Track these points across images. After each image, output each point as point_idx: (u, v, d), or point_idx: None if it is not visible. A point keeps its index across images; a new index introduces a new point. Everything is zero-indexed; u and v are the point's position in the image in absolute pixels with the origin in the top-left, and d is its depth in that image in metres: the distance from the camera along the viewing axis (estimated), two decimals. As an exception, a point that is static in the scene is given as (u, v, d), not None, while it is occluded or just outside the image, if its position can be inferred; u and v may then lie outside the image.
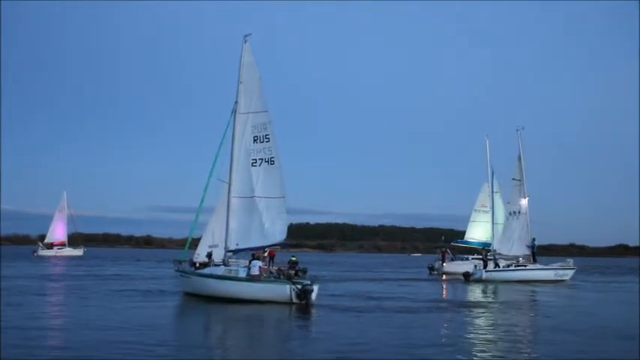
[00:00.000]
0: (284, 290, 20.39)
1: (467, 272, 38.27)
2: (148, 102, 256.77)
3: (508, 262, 39.42)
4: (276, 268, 25.97)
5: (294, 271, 38.55)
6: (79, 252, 74.07)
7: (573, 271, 40.16)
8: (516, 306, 22.66)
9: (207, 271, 23.24)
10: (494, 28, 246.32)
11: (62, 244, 74.57)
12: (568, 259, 41.88)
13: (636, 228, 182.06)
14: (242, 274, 21.55)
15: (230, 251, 23.43)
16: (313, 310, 19.16)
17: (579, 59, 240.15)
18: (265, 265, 36.69)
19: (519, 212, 40.05)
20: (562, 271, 39.49)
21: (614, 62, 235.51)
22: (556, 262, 41.99)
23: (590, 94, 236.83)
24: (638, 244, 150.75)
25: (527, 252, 39.49)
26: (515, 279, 37.31)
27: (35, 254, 70.48)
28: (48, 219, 76.60)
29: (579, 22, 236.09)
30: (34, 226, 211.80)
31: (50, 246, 73.64)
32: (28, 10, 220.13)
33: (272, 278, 21.93)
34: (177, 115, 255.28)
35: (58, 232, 74.81)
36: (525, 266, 38.88)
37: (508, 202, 41.08)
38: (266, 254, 37.49)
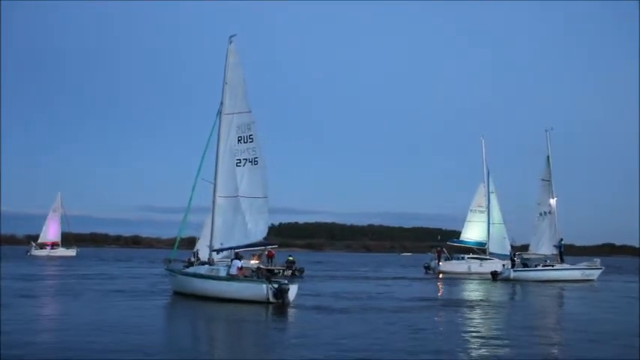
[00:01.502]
0: (261, 290, 20.60)
1: (495, 271, 38.95)
2: (136, 103, 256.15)
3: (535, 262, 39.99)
4: (256, 268, 26.29)
5: (291, 271, 39.22)
6: (72, 252, 73.73)
7: (600, 270, 40.49)
8: (510, 305, 23.12)
9: (191, 270, 23.65)
10: (495, 28, 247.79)
11: (55, 245, 74.19)
12: (595, 259, 42.06)
13: (622, 227, 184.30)
14: (223, 273, 21.89)
15: (214, 250, 23.72)
16: (290, 310, 19.26)
17: (579, 59, 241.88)
18: (264, 264, 37.16)
19: (549, 212, 40.73)
20: (589, 271, 39.84)
21: (614, 62, 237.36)
22: (582, 262, 42.23)
23: (590, 94, 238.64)
24: (623, 244, 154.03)
25: (555, 252, 39.98)
26: (543, 279, 37.80)
27: (28, 254, 70.28)
28: (39, 219, 76.12)
29: (579, 22, 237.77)
30: (24, 226, 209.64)
31: (43, 246, 73.28)
32: (28, 10, 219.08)
33: (254, 278, 22.28)
34: (168, 115, 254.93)
35: (51, 232, 74.46)
36: (553, 266, 39.38)
37: (538, 204, 41.48)
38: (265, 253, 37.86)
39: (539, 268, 39.33)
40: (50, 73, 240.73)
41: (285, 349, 12.83)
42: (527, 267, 39.35)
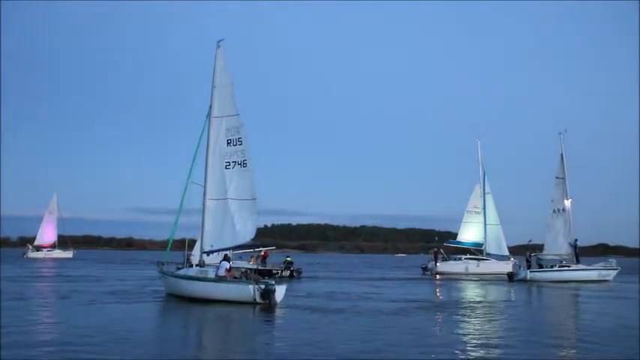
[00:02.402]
0: (247, 290, 20.91)
1: (511, 272, 39.17)
2: (130, 105, 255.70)
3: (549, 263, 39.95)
4: (244, 270, 26.62)
5: (289, 271, 39.53)
6: (68, 254, 73.83)
7: (616, 271, 40.61)
8: (506, 305, 23.23)
9: (181, 272, 23.97)
10: (493, 29, 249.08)
11: (52, 246, 74.13)
12: (610, 260, 42.25)
13: (616, 228, 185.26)
14: (211, 275, 22.20)
15: (205, 252, 24.01)
16: (277, 311, 19.38)
17: (580, 59, 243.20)
18: (260, 265, 37.29)
19: (563, 210, 40.98)
20: (605, 272, 39.90)
21: (614, 62, 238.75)
22: (598, 263, 42.33)
23: (590, 93, 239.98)
24: (617, 244, 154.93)
25: (570, 251, 40.07)
26: (559, 279, 37.89)
27: (25, 256, 70.35)
28: (30, 221, 76.18)
29: (579, 22, 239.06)
30: (15, 228, 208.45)
31: (39, 248, 73.18)
32: (27, 11, 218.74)
33: (243, 279, 22.55)
34: (161, 117, 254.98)
35: (47, 234, 74.37)
36: (569, 267, 39.47)
37: (552, 201, 41.71)
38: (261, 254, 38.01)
39: (556, 268, 39.35)
40: (45, 74, 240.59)
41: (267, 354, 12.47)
42: (543, 268, 39.49)
